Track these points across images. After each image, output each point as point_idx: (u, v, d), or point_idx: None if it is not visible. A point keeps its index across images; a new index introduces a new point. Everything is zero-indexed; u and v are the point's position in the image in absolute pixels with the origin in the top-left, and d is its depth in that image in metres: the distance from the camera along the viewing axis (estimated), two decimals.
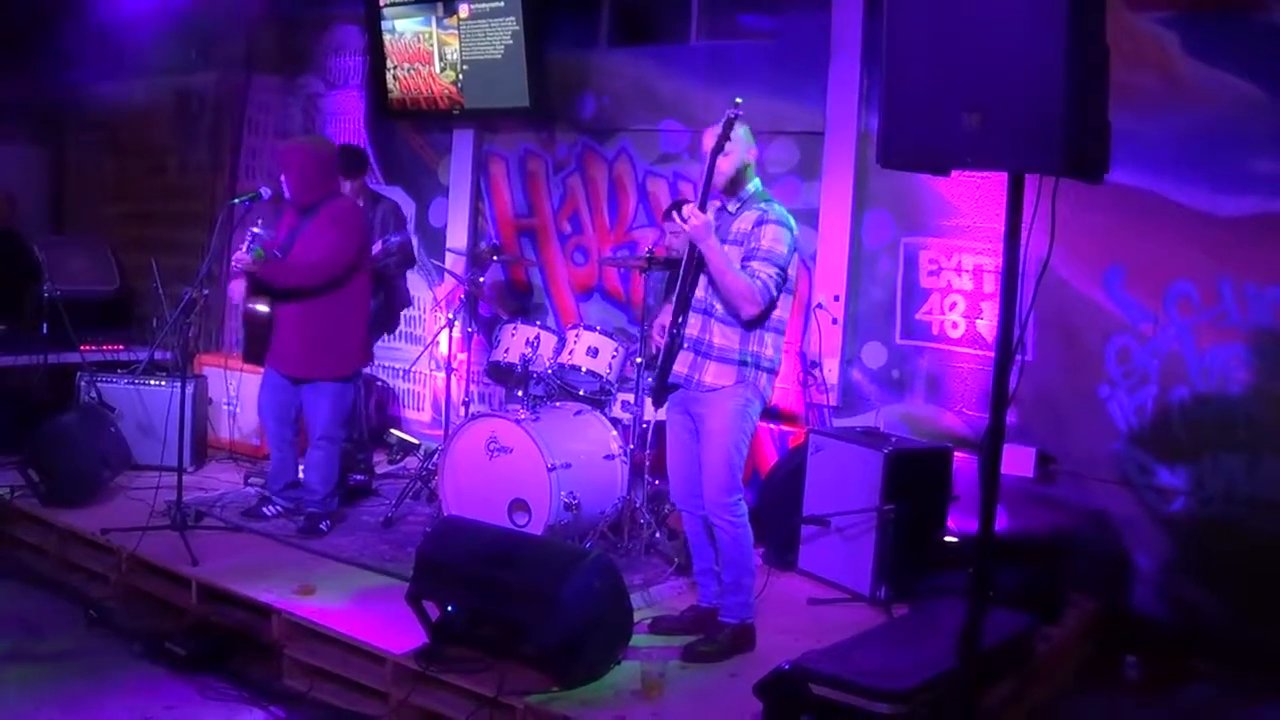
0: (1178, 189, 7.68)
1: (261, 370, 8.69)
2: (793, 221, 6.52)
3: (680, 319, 6.55)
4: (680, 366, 6.61)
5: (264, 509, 8.76)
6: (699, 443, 6.69)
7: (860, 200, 9.03)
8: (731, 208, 6.60)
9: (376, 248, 9.38)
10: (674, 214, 7.93)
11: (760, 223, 6.43)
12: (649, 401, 7.85)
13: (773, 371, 6.63)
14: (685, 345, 6.58)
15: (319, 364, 8.38)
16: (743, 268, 6.37)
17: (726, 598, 6.80)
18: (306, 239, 8.21)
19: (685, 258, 6.57)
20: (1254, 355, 7.48)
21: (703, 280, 6.54)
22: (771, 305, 6.42)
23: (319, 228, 8.23)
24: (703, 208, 6.38)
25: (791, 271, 6.53)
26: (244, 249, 7.97)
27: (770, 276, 6.34)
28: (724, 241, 6.45)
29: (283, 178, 8.28)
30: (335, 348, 8.38)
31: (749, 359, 6.50)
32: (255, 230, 8.03)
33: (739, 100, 6.31)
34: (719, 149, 6.37)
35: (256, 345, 8.37)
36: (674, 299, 6.59)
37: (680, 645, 6.70)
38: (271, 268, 8.06)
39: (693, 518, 6.90)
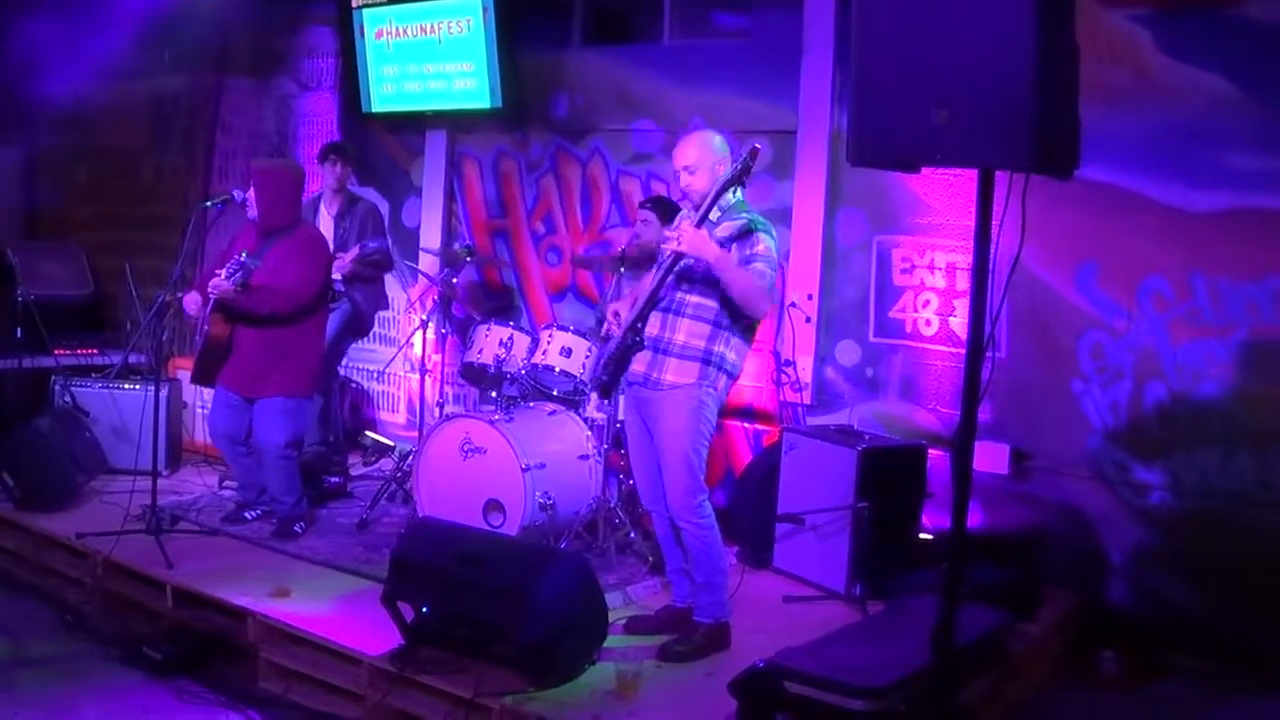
0: (1151, 185, 7.70)
1: None
2: (773, 232, 6.55)
3: (641, 321, 6.57)
4: (638, 365, 6.62)
5: (244, 513, 8.75)
6: (656, 445, 6.70)
7: (833, 198, 9.03)
8: (713, 216, 6.53)
9: (354, 252, 9.39)
10: (648, 206, 7.97)
11: (748, 230, 6.43)
12: (622, 400, 7.88)
13: (733, 376, 6.63)
14: (645, 344, 6.59)
15: (271, 381, 8.33)
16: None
17: (699, 597, 6.79)
18: (272, 264, 8.15)
19: (661, 262, 6.58)
20: (1227, 350, 7.50)
21: (670, 280, 6.54)
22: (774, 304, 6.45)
23: (285, 255, 8.21)
24: (699, 225, 6.41)
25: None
26: (225, 275, 7.90)
27: (771, 278, 6.42)
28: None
29: (253, 197, 8.25)
30: (289, 366, 8.35)
31: (713, 359, 6.50)
32: (243, 258, 7.96)
33: (758, 146, 6.35)
34: (740, 178, 6.42)
35: (209, 368, 8.33)
36: (641, 298, 6.60)
37: (655, 645, 6.69)
38: (246, 299, 8.00)
39: (661, 519, 6.91)
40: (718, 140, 6.66)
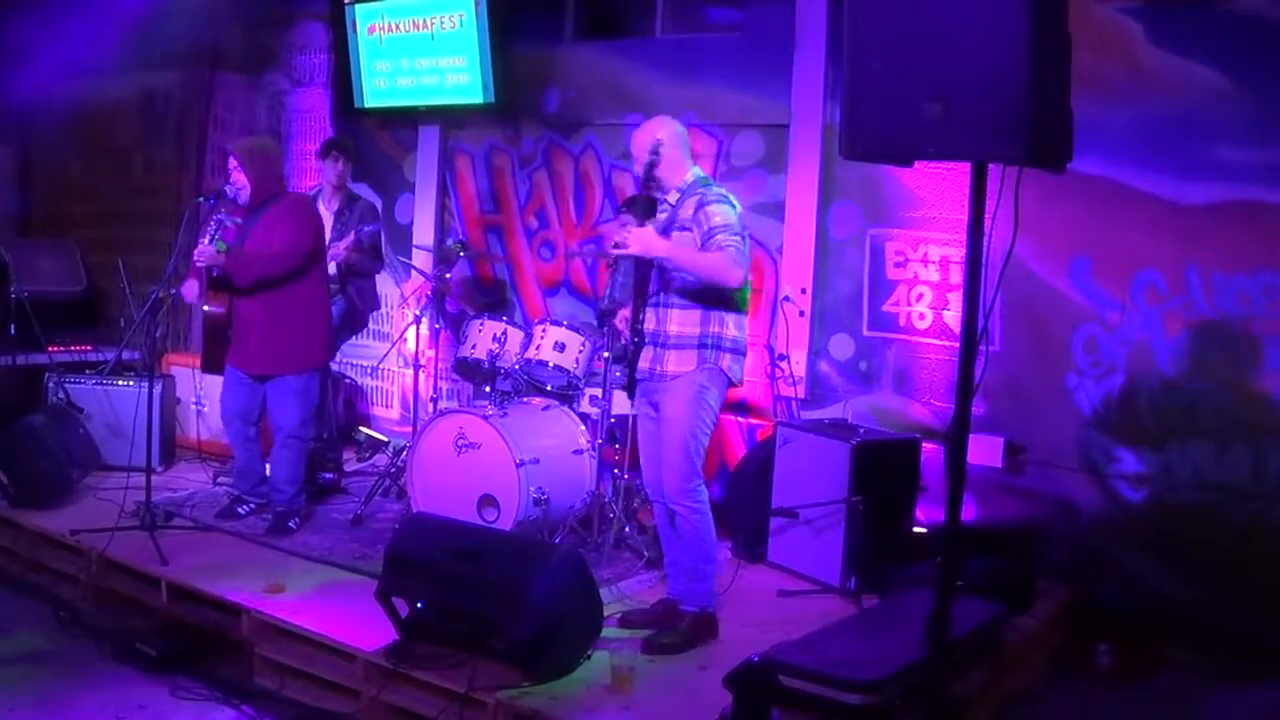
0: (1143, 178, 7.72)
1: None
2: (733, 199, 6.56)
3: (639, 318, 6.62)
4: (644, 362, 6.68)
5: (238, 508, 8.74)
6: (659, 430, 6.72)
7: (826, 192, 9.04)
8: (672, 199, 6.66)
9: (349, 239, 9.40)
10: (625, 210, 8.02)
11: (702, 205, 6.48)
12: (617, 395, 7.92)
13: (736, 351, 6.66)
14: (646, 341, 6.63)
15: (281, 360, 8.36)
16: (704, 248, 6.39)
17: (688, 585, 6.82)
18: (258, 234, 8.18)
19: (636, 260, 6.64)
20: (1221, 342, 7.52)
21: (652, 275, 6.61)
22: (748, 268, 6.46)
23: (270, 221, 8.21)
24: (642, 223, 6.47)
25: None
26: (207, 240, 7.93)
27: (736, 244, 6.36)
28: (676, 229, 6.54)
29: (239, 179, 8.22)
30: (297, 343, 8.37)
31: (710, 341, 6.53)
32: (220, 216, 7.99)
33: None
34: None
35: (216, 352, 8.34)
36: (632, 299, 6.67)
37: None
38: (232, 261, 8.03)
39: (661, 508, 6.90)
40: (666, 130, 6.68)
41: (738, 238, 6.40)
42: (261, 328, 8.26)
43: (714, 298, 6.52)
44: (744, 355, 6.74)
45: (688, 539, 6.73)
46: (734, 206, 6.52)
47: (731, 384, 6.70)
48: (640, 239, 6.40)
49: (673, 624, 6.78)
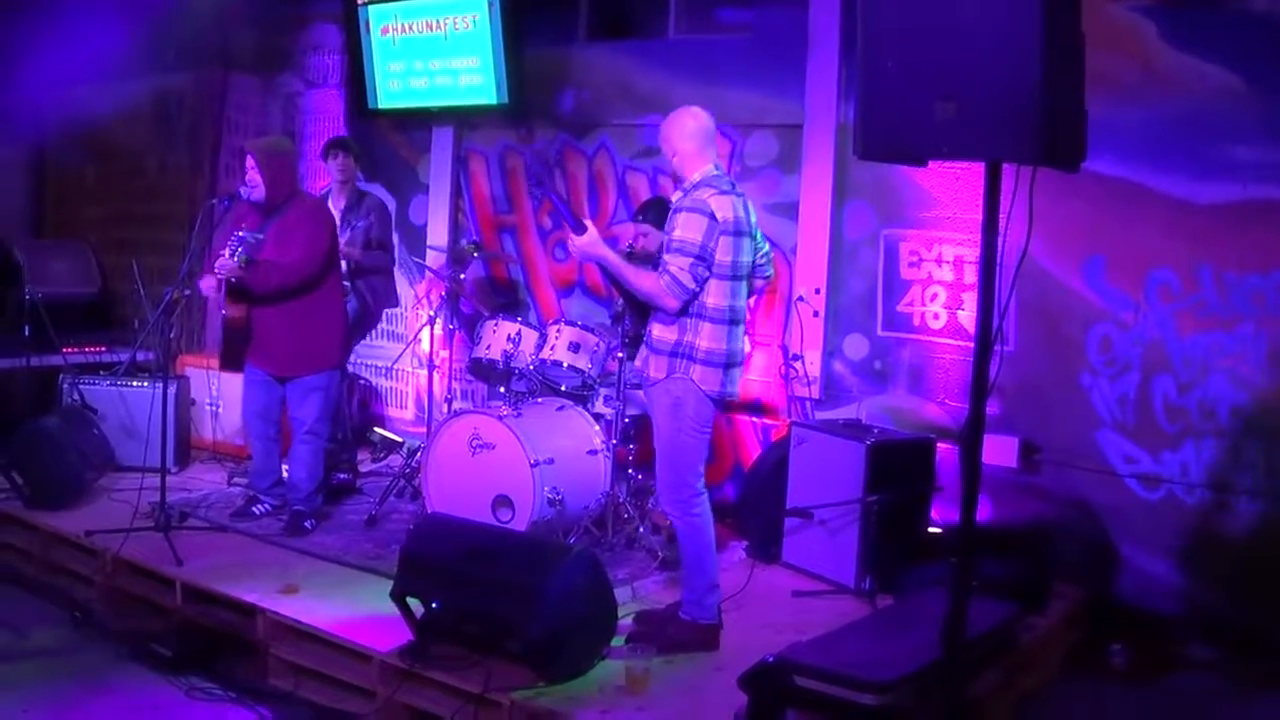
0: (1157, 177, 7.69)
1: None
2: (712, 205, 6.31)
3: (639, 318, 6.69)
4: (637, 361, 6.74)
5: (252, 508, 8.77)
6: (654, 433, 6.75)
7: (840, 192, 9.02)
8: (674, 198, 6.64)
9: (347, 235, 9.40)
10: (641, 218, 8.00)
11: (674, 213, 6.43)
12: (631, 395, 7.93)
13: (710, 364, 6.44)
14: (643, 340, 6.67)
15: (300, 361, 8.40)
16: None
17: (683, 592, 6.82)
18: (276, 238, 8.18)
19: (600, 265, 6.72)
20: (1234, 342, 7.49)
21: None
22: (692, 295, 6.35)
23: (288, 226, 8.23)
24: (580, 230, 6.46)
25: (725, 256, 6.38)
26: (228, 254, 7.91)
27: (681, 268, 6.26)
28: (665, 234, 6.51)
29: (254, 178, 8.21)
30: (315, 343, 8.40)
31: (682, 351, 6.42)
32: (241, 233, 7.97)
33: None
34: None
35: (235, 352, 8.34)
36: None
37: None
38: (252, 273, 8.02)
39: None
40: (680, 123, 6.59)
41: (686, 260, 6.27)
42: (280, 330, 8.28)
43: (694, 307, 6.42)
44: (722, 368, 6.50)
45: (680, 545, 6.73)
46: (706, 214, 6.32)
47: (712, 397, 6.54)
48: (579, 245, 6.48)
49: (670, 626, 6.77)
